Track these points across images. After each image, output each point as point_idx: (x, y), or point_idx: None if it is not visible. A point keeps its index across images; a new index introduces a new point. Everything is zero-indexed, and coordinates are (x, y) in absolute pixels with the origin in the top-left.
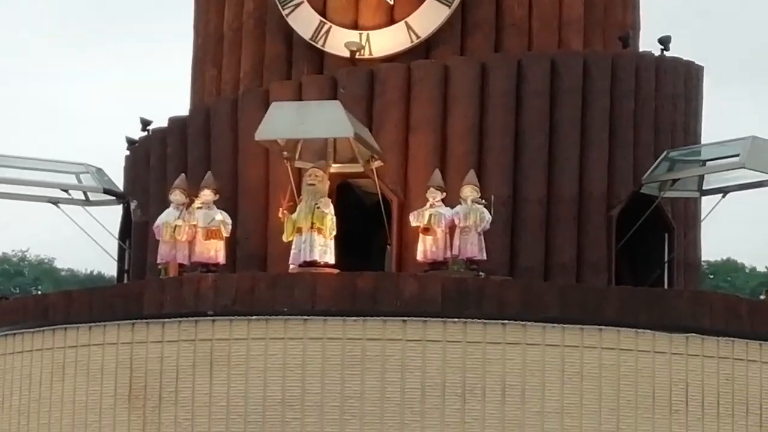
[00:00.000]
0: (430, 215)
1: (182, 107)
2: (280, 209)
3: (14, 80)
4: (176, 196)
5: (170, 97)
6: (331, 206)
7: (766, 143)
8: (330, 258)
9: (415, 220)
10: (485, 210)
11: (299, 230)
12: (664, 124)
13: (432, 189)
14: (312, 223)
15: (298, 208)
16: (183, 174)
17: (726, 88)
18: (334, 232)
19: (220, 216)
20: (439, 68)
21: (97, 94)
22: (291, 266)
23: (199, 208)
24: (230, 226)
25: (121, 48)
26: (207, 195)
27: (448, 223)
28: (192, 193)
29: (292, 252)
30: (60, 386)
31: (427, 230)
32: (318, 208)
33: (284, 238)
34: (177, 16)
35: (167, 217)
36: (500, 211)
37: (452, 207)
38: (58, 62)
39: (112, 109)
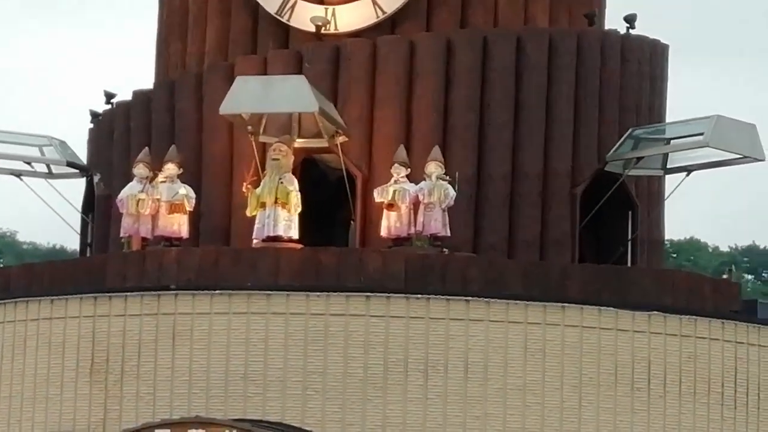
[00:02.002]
0: (395, 191)
1: (147, 80)
2: (244, 184)
3: None
4: (140, 169)
5: (134, 70)
6: (296, 182)
7: (730, 122)
8: (294, 233)
9: (379, 195)
10: (449, 186)
11: (263, 205)
12: (628, 102)
13: (396, 165)
14: (276, 198)
15: (262, 183)
16: (147, 148)
17: (691, 66)
18: (299, 208)
19: (184, 190)
20: (405, 44)
21: (62, 66)
22: (255, 241)
23: (162, 182)
24: (194, 201)
25: (86, 19)
26: (171, 169)
27: (412, 200)
28: (156, 167)
29: (255, 227)
30: (22, 359)
31: (391, 206)
32: (282, 183)
33: (248, 213)
34: None
35: (131, 190)
36: (464, 188)
37: (416, 183)
38: (23, 31)
39: (76, 81)
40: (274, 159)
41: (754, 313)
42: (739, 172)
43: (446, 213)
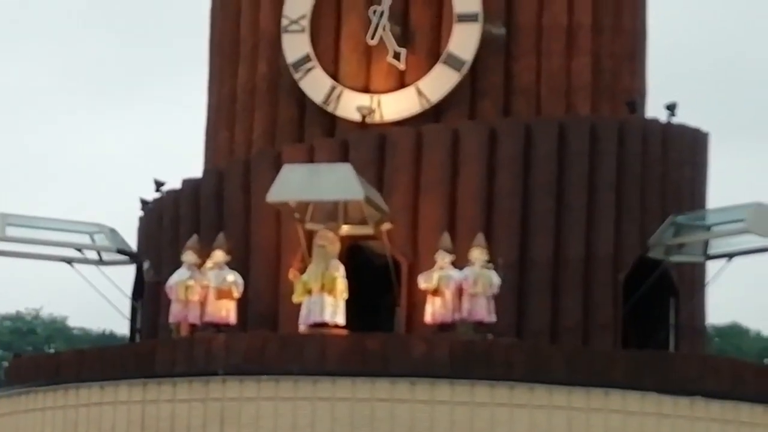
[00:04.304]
0: (439, 277)
1: (196, 168)
2: (291, 270)
3: (28, 137)
4: (188, 256)
5: (184, 159)
6: (342, 268)
7: None
8: (340, 319)
9: (423, 282)
10: (494, 275)
11: (309, 291)
12: (670, 188)
13: (441, 252)
14: (322, 285)
15: (308, 270)
16: (195, 235)
17: (733, 152)
18: (345, 294)
19: (232, 276)
20: (449, 132)
21: (112, 155)
22: (301, 327)
23: (211, 268)
24: (242, 287)
25: (136, 109)
26: (219, 256)
27: (456, 286)
28: (204, 254)
29: (302, 313)
30: None
31: (435, 292)
32: (328, 270)
33: (294, 299)
34: (192, 77)
35: (179, 276)
36: (508, 274)
37: (461, 269)
38: (73, 121)
39: (127, 170)
40: (320, 246)
41: None
42: None
43: (491, 299)
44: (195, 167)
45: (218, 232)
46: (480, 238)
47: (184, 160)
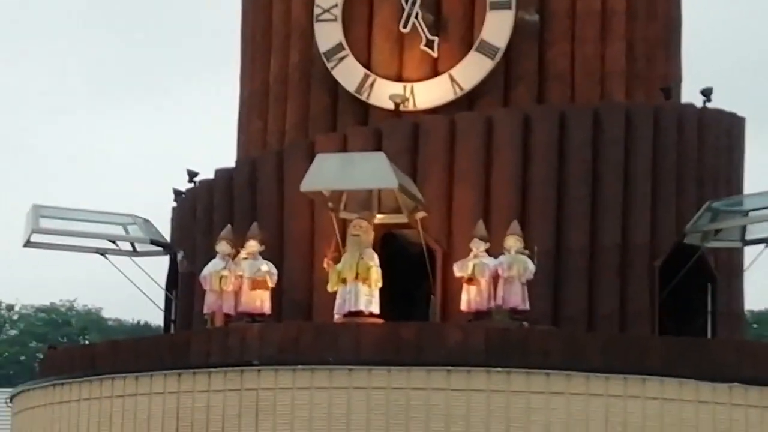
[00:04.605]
0: (474, 265)
1: (229, 159)
2: (325, 260)
3: (63, 131)
4: (222, 246)
5: (217, 149)
6: (376, 257)
7: None
8: (375, 308)
9: (458, 270)
10: (529, 260)
11: (344, 280)
12: (706, 174)
13: (476, 240)
14: (357, 274)
15: (343, 259)
16: (229, 225)
17: None
18: (380, 283)
19: (266, 266)
20: (483, 120)
21: (144, 145)
22: (336, 316)
23: (245, 258)
24: (276, 277)
25: (169, 99)
26: (253, 246)
27: (491, 274)
28: (238, 244)
29: (336, 302)
30: None
31: (470, 281)
32: (363, 258)
33: (329, 288)
34: (224, 67)
35: (214, 267)
36: (543, 262)
37: (496, 257)
38: (108, 112)
39: (160, 160)
40: (354, 235)
41: None
42: None
43: (525, 287)
44: (227, 159)
45: (252, 222)
46: (515, 225)
47: (218, 152)
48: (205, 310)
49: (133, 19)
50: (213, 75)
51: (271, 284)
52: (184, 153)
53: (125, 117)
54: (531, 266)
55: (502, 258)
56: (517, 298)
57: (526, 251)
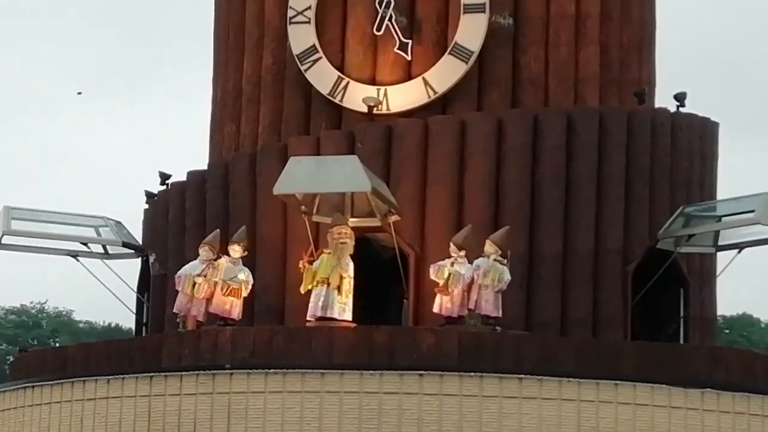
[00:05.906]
0: (449, 275)
1: (201, 161)
2: (301, 261)
3: (34, 132)
4: (205, 251)
5: (189, 151)
6: (352, 267)
7: None
8: (348, 316)
9: (434, 273)
10: (506, 270)
11: (322, 281)
12: (679, 179)
13: (453, 246)
14: (328, 281)
15: (320, 259)
16: (217, 231)
17: (742, 143)
18: (351, 294)
19: (243, 275)
20: (456, 123)
21: (116, 147)
22: (309, 317)
23: (225, 262)
24: (251, 287)
25: (140, 101)
26: (237, 251)
27: (465, 284)
28: (221, 251)
29: (310, 304)
30: None
31: (443, 290)
32: (339, 266)
33: (302, 289)
34: (196, 69)
35: (192, 269)
36: (516, 266)
37: (471, 261)
38: (78, 114)
39: (131, 162)
40: (341, 243)
41: None
42: None
43: (499, 295)
44: (199, 163)
45: (224, 225)
46: (501, 232)
47: (189, 155)
48: (175, 309)
49: (105, 19)
50: (185, 77)
51: (244, 293)
52: (157, 155)
53: (97, 120)
54: (507, 276)
55: (479, 262)
56: (488, 305)
57: (505, 261)
